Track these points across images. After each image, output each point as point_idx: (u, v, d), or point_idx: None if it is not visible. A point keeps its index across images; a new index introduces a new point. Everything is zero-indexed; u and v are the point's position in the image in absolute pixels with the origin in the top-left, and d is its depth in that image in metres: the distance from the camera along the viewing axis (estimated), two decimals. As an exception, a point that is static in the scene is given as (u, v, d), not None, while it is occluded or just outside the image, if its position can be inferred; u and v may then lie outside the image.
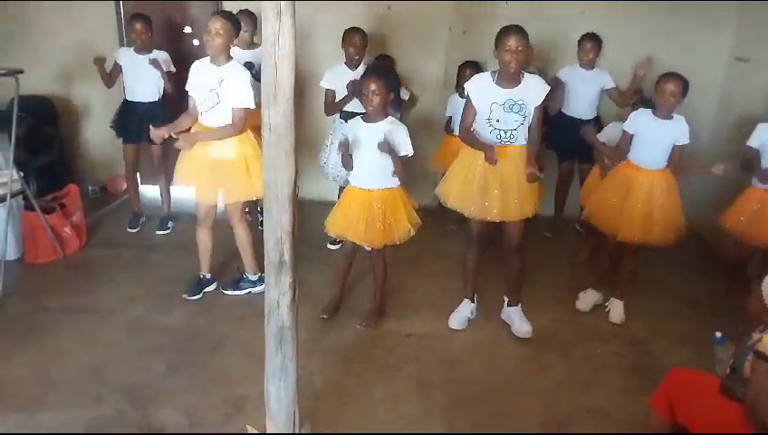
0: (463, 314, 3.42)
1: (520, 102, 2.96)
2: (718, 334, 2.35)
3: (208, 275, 3.63)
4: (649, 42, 4.49)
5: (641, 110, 3.31)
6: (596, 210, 3.44)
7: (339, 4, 4.57)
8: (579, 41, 4.20)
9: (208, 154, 3.30)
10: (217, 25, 3.13)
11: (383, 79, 3.05)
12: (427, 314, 3.49)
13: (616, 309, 3.54)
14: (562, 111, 4.35)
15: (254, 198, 3.39)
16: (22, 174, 3.89)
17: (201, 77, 3.27)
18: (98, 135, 5.23)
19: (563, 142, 4.34)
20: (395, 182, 3.17)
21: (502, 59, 2.91)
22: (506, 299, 3.45)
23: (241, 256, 3.60)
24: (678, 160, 3.27)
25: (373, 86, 3.00)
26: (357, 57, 3.90)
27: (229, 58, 3.26)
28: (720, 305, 3.52)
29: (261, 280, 3.45)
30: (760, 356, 2.02)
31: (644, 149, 3.28)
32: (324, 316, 3.38)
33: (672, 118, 3.21)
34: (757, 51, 4.29)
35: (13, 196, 3.77)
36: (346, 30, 3.95)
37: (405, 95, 4.44)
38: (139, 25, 4.09)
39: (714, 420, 2.08)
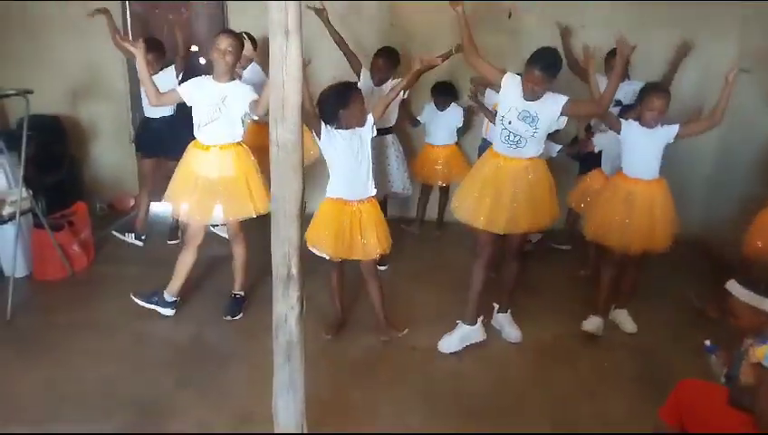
0: (455, 337, 3.29)
1: (534, 115, 3.01)
2: (707, 342, 2.34)
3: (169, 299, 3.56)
4: (653, 50, 4.49)
5: (629, 121, 3.31)
6: (600, 229, 3.42)
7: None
8: (607, 55, 4.05)
9: (206, 173, 3.32)
10: (228, 43, 3.19)
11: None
12: (432, 327, 3.45)
13: (624, 319, 3.57)
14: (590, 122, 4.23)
15: (255, 215, 3.40)
16: (31, 192, 3.92)
17: (202, 92, 3.29)
18: (106, 153, 5.29)
19: (588, 155, 4.19)
20: (374, 190, 3.23)
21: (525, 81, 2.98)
22: (496, 306, 3.48)
23: (235, 274, 3.61)
24: (699, 124, 3.28)
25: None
26: (380, 75, 4.14)
27: (232, 77, 3.30)
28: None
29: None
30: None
31: (637, 160, 3.32)
32: (328, 336, 3.37)
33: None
34: (760, 62, 4.30)
35: (22, 214, 3.80)
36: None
37: None
38: (150, 56, 4.09)
39: (723, 431, 2.08)
